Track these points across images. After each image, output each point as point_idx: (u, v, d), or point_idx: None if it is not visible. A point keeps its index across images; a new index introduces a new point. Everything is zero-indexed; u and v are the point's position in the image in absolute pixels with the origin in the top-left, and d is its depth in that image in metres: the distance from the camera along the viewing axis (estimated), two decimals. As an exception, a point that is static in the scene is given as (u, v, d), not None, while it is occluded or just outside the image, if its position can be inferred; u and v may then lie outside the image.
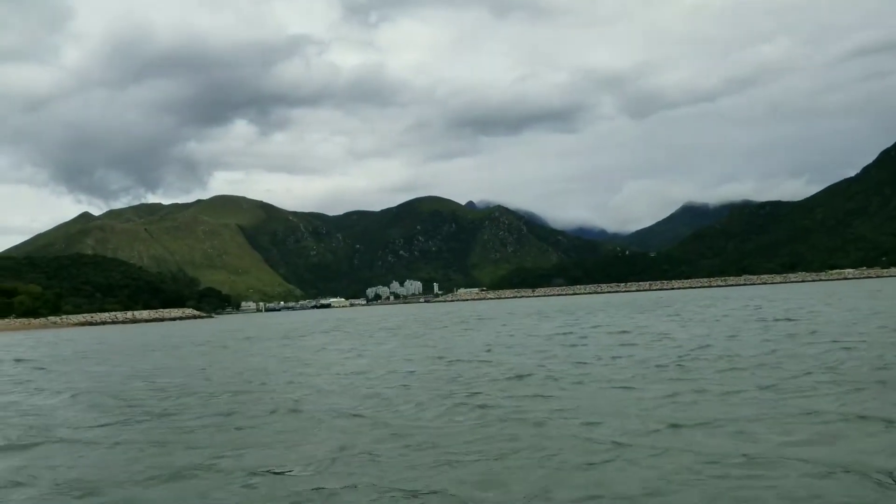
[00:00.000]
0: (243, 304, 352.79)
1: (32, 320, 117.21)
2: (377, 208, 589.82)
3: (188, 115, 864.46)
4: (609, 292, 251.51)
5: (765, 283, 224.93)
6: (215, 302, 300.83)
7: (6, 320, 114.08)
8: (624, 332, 31.87)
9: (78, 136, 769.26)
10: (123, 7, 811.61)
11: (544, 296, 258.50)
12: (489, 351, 25.59)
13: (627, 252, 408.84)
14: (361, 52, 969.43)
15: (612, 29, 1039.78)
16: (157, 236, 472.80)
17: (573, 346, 25.68)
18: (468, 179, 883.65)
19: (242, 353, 33.26)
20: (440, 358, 23.75)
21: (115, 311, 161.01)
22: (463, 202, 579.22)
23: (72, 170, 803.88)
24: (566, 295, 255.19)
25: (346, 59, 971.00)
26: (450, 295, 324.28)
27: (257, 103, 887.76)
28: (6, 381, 24.37)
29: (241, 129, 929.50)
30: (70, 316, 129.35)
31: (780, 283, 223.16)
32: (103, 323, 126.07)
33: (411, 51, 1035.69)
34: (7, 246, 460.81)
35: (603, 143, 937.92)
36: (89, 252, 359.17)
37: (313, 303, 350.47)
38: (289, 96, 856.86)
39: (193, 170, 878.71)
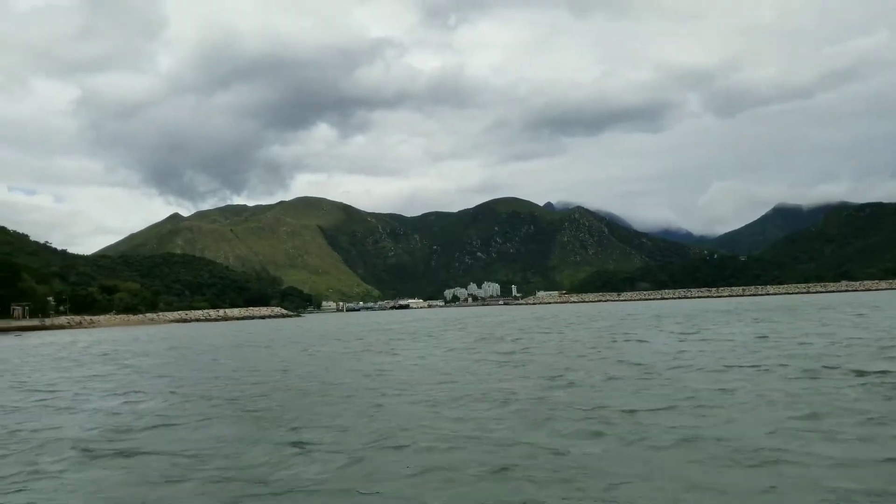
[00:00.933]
0: (324, 303, 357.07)
1: (131, 316, 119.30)
2: (455, 209, 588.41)
3: (272, 118, 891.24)
4: (700, 297, 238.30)
5: (868, 290, 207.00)
6: (297, 301, 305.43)
7: (107, 316, 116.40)
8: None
9: (168, 140, 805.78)
10: (213, 14, 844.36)
11: (631, 300, 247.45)
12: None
13: (716, 255, 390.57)
14: (440, 54, 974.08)
15: (697, 24, 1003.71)
16: (242, 237, 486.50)
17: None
18: (547, 180, 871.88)
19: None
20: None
21: (203, 308, 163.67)
22: (541, 203, 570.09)
23: (162, 173, 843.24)
24: (654, 300, 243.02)
25: (426, 62, 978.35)
26: (530, 298, 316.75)
27: (338, 106, 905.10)
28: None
29: (322, 132, 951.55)
30: (166, 313, 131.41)
31: (886, 289, 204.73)
32: (196, 320, 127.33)
33: (490, 51, 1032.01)
34: (104, 245, 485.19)
35: (688, 142, 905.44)
36: (179, 252, 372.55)
37: (392, 303, 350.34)
38: (369, 99, 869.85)
39: (277, 172, 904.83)
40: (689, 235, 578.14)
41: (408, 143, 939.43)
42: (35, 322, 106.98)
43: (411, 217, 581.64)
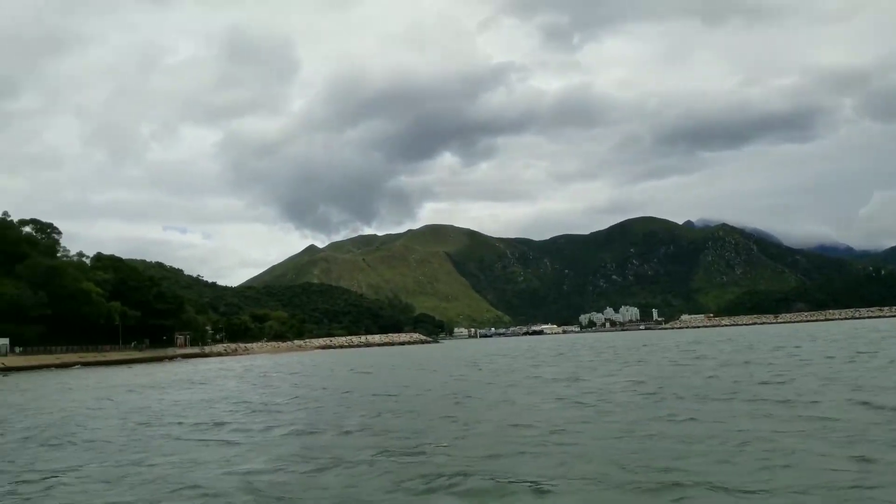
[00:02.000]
0: (456, 329, 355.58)
1: (280, 343, 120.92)
2: (585, 231, 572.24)
3: (398, 150, 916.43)
4: (871, 318, 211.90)
5: None
6: (429, 327, 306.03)
7: (259, 343, 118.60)
8: None
9: (303, 176, 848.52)
10: (341, 55, 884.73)
11: (791, 322, 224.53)
12: None
13: (883, 272, 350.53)
14: (564, 74, 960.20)
15: (846, 24, 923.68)
16: (374, 265, 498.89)
17: None
18: (684, 197, 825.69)
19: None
20: None
21: (342, 334, 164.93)
22: (680, 221, 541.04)
23: (298, 207, 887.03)
24: (817, 321, 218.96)
25: (549, 83, 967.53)
26: (674, 321, 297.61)
27: (462, 134, 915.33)
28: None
29: (447, 160, 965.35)
30: (312, 340, 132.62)
31: None
32: (341, 346, 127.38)
33: (617, 67, 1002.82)
34: (247, 277, 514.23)
35: (843, 150, 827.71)
36: (316, 281, 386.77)
37: (524, 329, 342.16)
38: (492, 125, 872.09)
39: (404, 202, 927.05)
40: (849, 250, 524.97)
41: (533, 166, 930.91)
42: (196, 350, 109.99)
43: (540, 241, 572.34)
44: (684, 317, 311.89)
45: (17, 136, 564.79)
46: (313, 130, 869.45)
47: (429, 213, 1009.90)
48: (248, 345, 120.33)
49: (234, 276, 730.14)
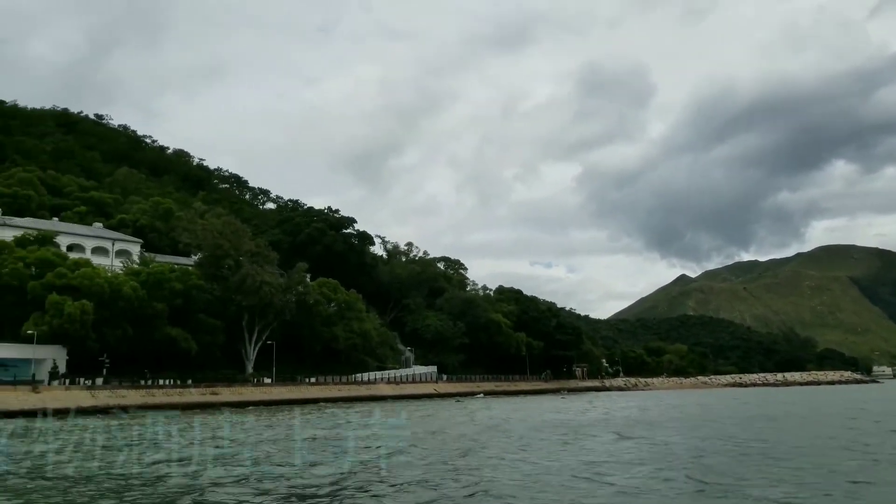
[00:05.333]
0: (875, 368, 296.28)
1: (683, 379, 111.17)
2: None
3: (777, 164, 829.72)
4: None
5: None
6: (837, 365, 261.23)
7: (660, 378, 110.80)
8: None
9: (666, 203, 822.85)
10: (703, 72, 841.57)
11: None
12: None
13: None
14: None
15: None
16: (758, 294, 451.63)
17: None
18: None
19: None
20: None
21: (730, 372, 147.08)
22: None
23: (663, 235, 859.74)
24: None
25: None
26: None
27: (856, 138, 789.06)
28: None
29: (839, 170, 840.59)
30: (718, 376, 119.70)
31: None
32: (754, 385, 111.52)
33: None
34: (615, 310, 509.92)
35: None
36: (691, 313, 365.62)
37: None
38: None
39: (787, 221, 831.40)
40: None
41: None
42: (596, 383, 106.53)
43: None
44: None
45: (405, 189, 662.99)
46: (675, 154, 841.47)
47: (819, 233, 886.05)
48: (648, 379, 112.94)
49: (601, 309, 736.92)
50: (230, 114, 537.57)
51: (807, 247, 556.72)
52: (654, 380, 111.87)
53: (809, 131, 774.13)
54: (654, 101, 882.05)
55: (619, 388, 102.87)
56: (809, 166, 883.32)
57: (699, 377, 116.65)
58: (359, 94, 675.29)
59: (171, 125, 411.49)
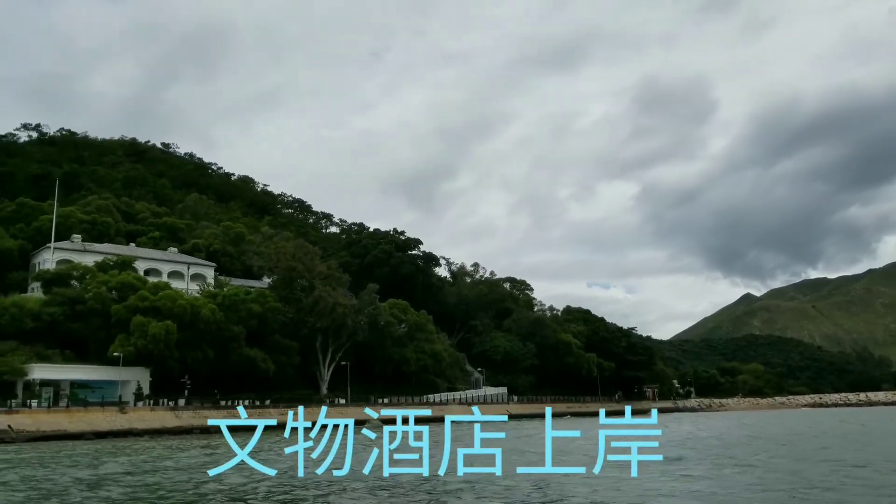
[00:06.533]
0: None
1: (760, 400, 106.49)
2: None
3: (845, 178, 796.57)
4: None
5: None
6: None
7: (735, 399, 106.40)
8: None
9: (727, 221, 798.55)
10: (766, 85, 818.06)
11: None
12: None
13: None
14: None
15: None
16: (827, 313, 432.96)
17: None
18: None
19: None
20: None
21: (803, 393, 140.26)
22: None
23: (724, 254, 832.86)
24: None
25: None
26: None
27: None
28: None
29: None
30: (796, 397, 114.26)
31: None
32: (835, 405, 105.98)
33: None
34: (677, 331, 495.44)
35: None
36: (756, 332, 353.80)
37: None
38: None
39: (857, 237, 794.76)
40: None
41: None
42: (668, 404, 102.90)
43: None
44: None
45: (458, 213, 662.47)
46: (737, 170, 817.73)
47: (892, 248, 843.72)
48: (723, 400, 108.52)
49: (661, 330, 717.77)
50: (286, 141, 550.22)
51: (879, 263, 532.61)
52: (729, 400, 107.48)
53: (880, 143, 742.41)
54: (714, 116, 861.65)
55: (692, 409, 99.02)
56: (881, 179, 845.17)
57: (776, 398, 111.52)
58: (410, 118, 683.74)
59: (229, 153, 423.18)
